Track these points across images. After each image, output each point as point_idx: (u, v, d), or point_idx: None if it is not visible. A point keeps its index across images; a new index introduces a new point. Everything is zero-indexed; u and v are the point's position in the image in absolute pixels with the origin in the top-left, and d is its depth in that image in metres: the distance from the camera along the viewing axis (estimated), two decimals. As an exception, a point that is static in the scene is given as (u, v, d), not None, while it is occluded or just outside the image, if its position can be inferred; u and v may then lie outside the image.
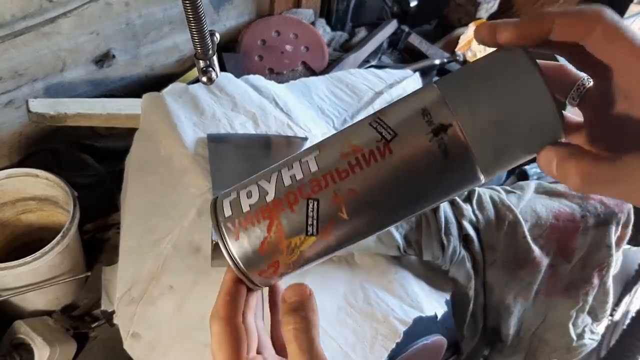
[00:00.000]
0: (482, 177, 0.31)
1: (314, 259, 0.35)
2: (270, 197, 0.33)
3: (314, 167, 0.32)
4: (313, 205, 0.32)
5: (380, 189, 0.32)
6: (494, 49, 0.31)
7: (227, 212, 0.34)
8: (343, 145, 0.32)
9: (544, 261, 0.82)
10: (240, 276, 0.36)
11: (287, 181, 0.33)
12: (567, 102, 0.33)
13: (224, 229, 0.34)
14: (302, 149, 0.36)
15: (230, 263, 0.35)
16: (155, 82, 1.14)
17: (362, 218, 0.32)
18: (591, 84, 0.33)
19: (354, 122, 0.35)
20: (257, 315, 0.40)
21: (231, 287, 0.36)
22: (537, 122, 0.29)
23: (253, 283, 0.36)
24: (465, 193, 0.83)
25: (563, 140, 0.30)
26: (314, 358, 0.33)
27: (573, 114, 0.35)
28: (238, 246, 0.34)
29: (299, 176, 0.33)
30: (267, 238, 0.33)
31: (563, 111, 0.29)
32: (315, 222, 0.32)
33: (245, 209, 0.34)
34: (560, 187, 0.88)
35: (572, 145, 0.29)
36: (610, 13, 0.27)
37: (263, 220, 0.33)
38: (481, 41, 0.31)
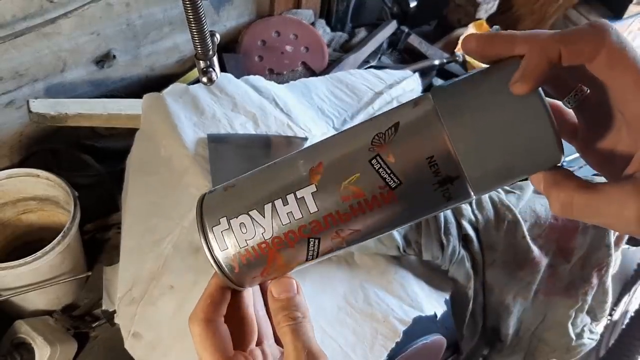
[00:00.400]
0: (475, 198, 0.32)
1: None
2: (268, 235, 0.33)
3: (312, 207, 0.32)
4: (314, 242, 0.32)
5: (381, 226, 0.32)
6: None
7: (222, 244, 0.34)
8: (343, 185, 0.31)
9: (543, 261, 0.83)
10: (234, 287, 0.36)
11: (284, 219, 0.32)
12: (562, 103, 0.33)
13: (220, 260, 0.34)
14: (287, 162, 0.34)
15: (227, 282, 0.35)
16: (155, 83, 1.14)
17: (361, 239, 0.33)
18: (589, 91, 0.32)
19: (348, 137, 0.33)
20: (256, 303, 0.40)
21: (215, 292, 0.36)
22: (539, 157, 0.29)
23: (246, 288, 0.37)
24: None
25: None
26: (310, 354, 0.33)
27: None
28: (237, 275, 0.35)
29: (297, 215, 0.32)
30: (267, 268, 0.34)
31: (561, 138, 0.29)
32: (315, 252, 0.33)
33: (242, 244, 0.33)
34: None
35: (560, 172, 0.29)
36: (614, 32, 0.27)
37: (263, 255, 0.33)
38: (468, 54, 0.31)
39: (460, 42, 1.34)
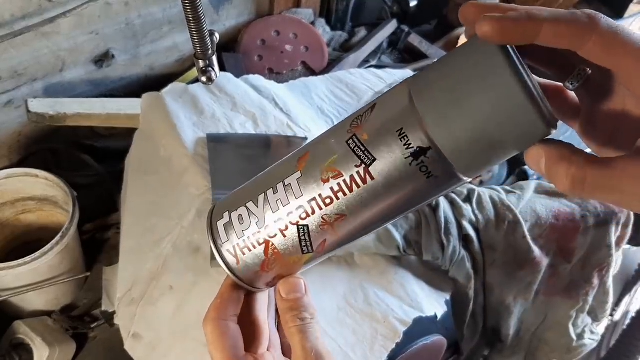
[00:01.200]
0: (466, 179, 0.31)
1: (315, 262, 0.36)
2: (261, 224, 0.33)
3: (297, 193, 0.32)
4: (304, 230, 0.33)
5: (367, 210, 0.32)
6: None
7: (224, 237, 0.35)
8: (323, 168, 0.31)
9: (544, 261, 0.82)
10: (245, 287, 0.37)
11: (274, 207, 0.33)
12: (564, 85, 0.32)
13: (224, 253, 0.35)
14: (283, 159, 0.35)
15: (236, 280, 0.36)
16: (155, 82, 1.14)
17: (354, 231, 0.33)
18: (591, 71, 0.31)
19: (334, 126, 0.33)
20: (269, 314, 0.40)
21: (226, 292, 0.37)
22: (518, 126, 0.27)
23: (258, 289, 0.37)
24: (465, 193, 0.83)
25: (553, 133, 0.28)
26: (318, 355, 0.33)
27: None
28: (240, 268, 0.35)
29: (285, 202, 0.32)
30: (267, 260, 0.34)
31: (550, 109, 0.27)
32: (308, 243, 0.33)
33: (240, 235, 0.34)
34: (560, 187, 0.88)
35: (563, 146, 0.27)
36: (605, 20, 0.26)
37: (259, 246, 0.34)
38: (465, 22, 0.29)
39: (460, 41, 1.34)
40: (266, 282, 0.36)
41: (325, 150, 0.32)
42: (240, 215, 0.34)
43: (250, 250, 0.34)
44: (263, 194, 0.33)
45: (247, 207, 0.34)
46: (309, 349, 0.33)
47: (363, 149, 0.30)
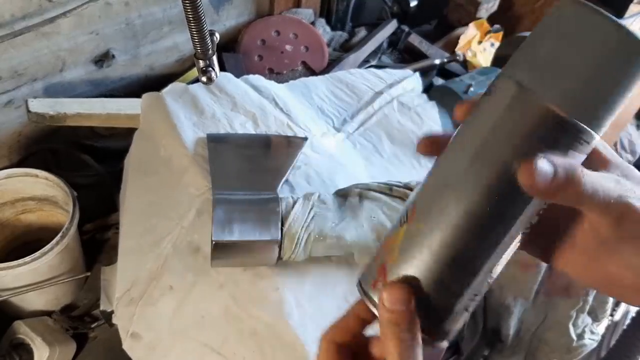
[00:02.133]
0: (593, 133, 0.29)
1: (413, 258, 0.32)
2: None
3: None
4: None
5: (468, 145, 0.32)
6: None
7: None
8: None
9: (544, 261, 0.82)
10: (359, 292, 0.35)
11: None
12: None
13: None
14: None
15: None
16: (155, 82, 1.14)
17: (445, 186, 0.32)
18: None
19: None
20: None
21: (356, 311, 0.36)
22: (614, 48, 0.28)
23: (371, 301, 0.34)
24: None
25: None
26: None
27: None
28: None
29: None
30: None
31: None
32: (405, 212, 0.33)
33: None
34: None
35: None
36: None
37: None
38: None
39: (460, 41, 1.34)
40: (374, 281, 0.33)
41: None
42: None
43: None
44: None
45: None
46: None
47: None
